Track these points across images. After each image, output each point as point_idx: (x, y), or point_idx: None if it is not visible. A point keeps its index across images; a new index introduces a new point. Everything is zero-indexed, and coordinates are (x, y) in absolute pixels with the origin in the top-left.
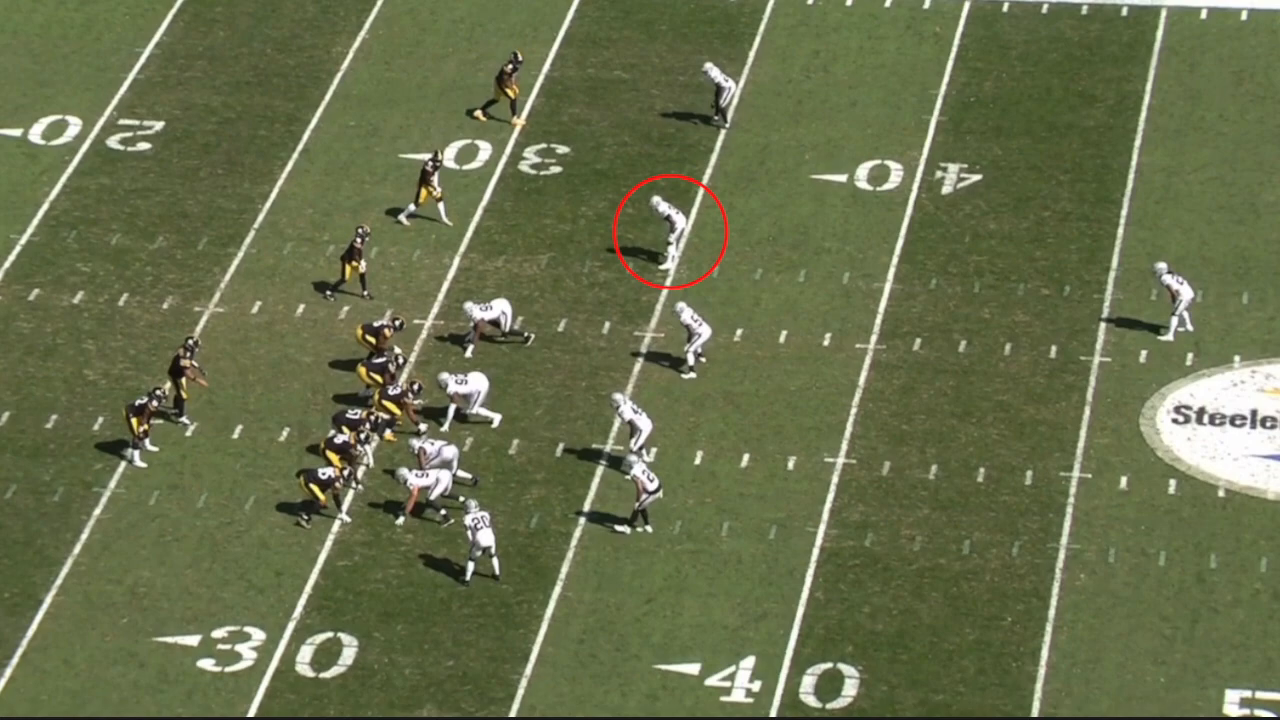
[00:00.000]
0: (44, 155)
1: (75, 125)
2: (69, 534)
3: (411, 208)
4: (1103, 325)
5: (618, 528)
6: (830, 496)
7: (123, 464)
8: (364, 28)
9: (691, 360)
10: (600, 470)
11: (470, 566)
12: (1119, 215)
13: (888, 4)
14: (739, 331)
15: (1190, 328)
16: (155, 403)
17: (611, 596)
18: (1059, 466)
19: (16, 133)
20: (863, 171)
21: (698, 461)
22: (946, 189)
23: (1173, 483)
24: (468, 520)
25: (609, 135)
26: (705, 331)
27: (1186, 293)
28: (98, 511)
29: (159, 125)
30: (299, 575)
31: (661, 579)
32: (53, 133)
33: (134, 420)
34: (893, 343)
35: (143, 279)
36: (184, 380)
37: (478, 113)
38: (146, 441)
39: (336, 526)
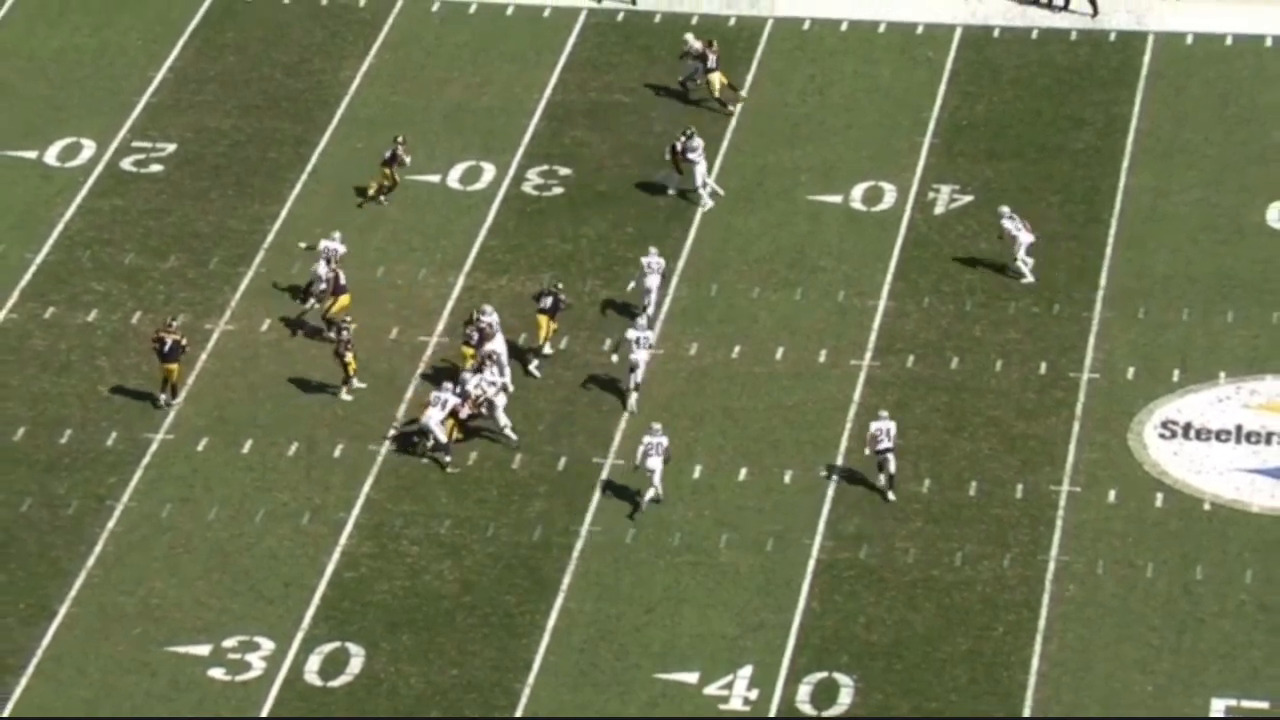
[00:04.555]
0: (59, 177)
1: (89, 148)
2: (83, 546)
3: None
4: (1091, 342)
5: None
6: (826, 509)
7: (136, 477)
8: (370, 53)
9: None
10: (601, 483)
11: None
12: (1107, 235)
13: (882, 29)
14: (737, 348)
15: (1030, 277)
16: (177, 336)
17: (612, 607)
18: (1049, 480)
19: (32, 155)
20: (858, 192)
21: (696, 475)
22: (939, 209)
23: (1160, 496)
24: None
25: (610, 157)
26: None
27: (1025, 238)
28: (111, 524)
29: (171, 147)
30: (307, 586)
31: (661, 590)
32: (67, 155)
33: (170, 367)
34: (887, 359)
35: (155, 297)
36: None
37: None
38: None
39: (343, 539)
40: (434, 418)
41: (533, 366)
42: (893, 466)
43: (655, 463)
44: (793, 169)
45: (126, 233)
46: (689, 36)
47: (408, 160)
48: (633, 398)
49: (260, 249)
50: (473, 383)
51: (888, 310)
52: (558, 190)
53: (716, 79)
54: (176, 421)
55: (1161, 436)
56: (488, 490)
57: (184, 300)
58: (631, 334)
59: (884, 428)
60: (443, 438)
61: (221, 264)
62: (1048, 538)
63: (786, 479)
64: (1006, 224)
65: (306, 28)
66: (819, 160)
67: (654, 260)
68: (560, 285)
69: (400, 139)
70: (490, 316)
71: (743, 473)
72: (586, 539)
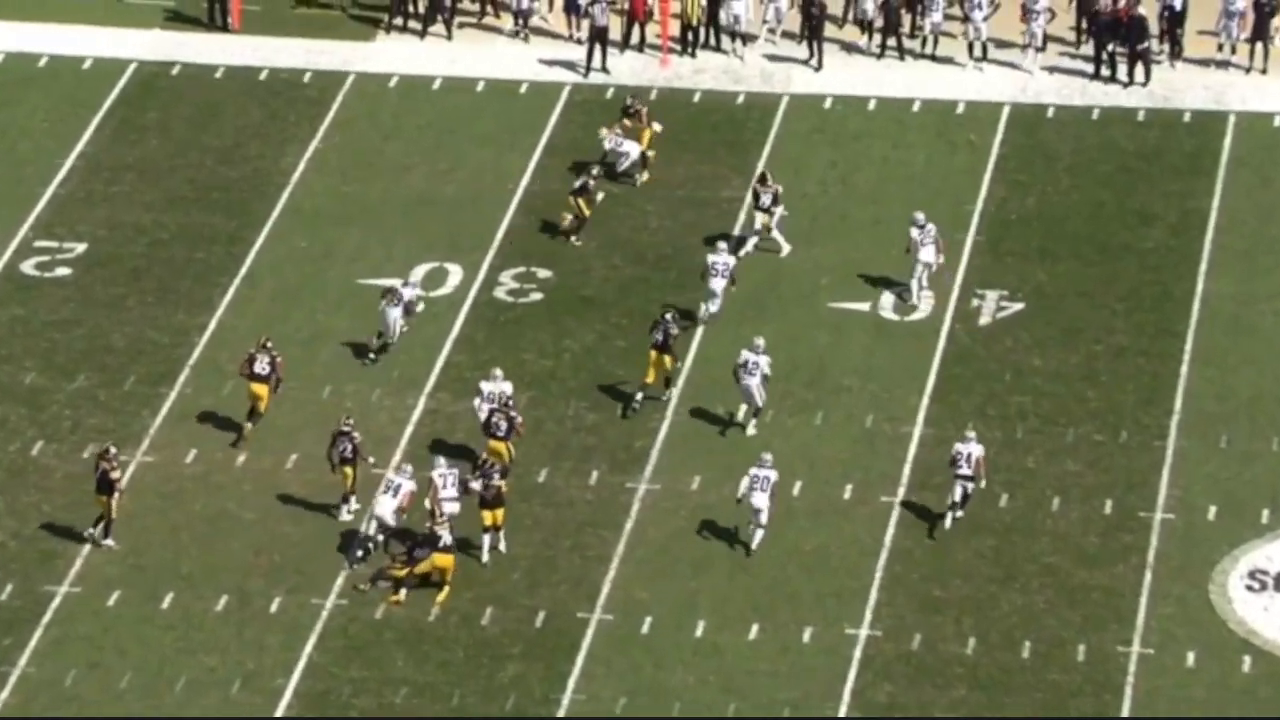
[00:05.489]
0: None
1: None
2: None
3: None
4: (1165, 476)
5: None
6: (852, 674)
7: (35, 637)
8: (317, 135)
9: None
10: (587, 644)
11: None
12: (1182, 350)
13: (916, 108)
14: (746, 481)
15: (919, 296)
16: (112, 464)
17: None
18: (1116, 640)
19: None
20: (887, 299)
21: (699, 633)
22: (984, 319)
23: (1247, 660)
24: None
25: (597, 257)
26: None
27: (927, 256)
28: (4, 695)
29: (81, 247)
30: None
31: None
32: None
33: (108, 500)
34: (923, 495)
35: (60, 424)
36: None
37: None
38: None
39: (281, 710)
40: (387, 507)
41: (639, 399)
42: (966, 494)
43: (761, 500)
44: (812, 270)
45: (27, 348)
46: (602, 131)
47: (599, 196)
48: (751, 424)
49: (185, 366)
50: (476, 484)
51: (924, 438)
52: (536, 296)
53: (649, 134)
54: (83, 571)
55: (1249, 589)
56: (452, 651)
57: (94, 427)
58: (745, 355)
59: (966, 451)
60: (391, 522)
61: (139, 384)
62: (1115, 707)
63: (805, 638)
64: (913, 233)
65: (242, 106)
66: (842, 260)
67: (721, 259)
68: (671, 315)
69: (593, 169)
70: (503, 385)
71: (754, 630)
72: (569, 709)
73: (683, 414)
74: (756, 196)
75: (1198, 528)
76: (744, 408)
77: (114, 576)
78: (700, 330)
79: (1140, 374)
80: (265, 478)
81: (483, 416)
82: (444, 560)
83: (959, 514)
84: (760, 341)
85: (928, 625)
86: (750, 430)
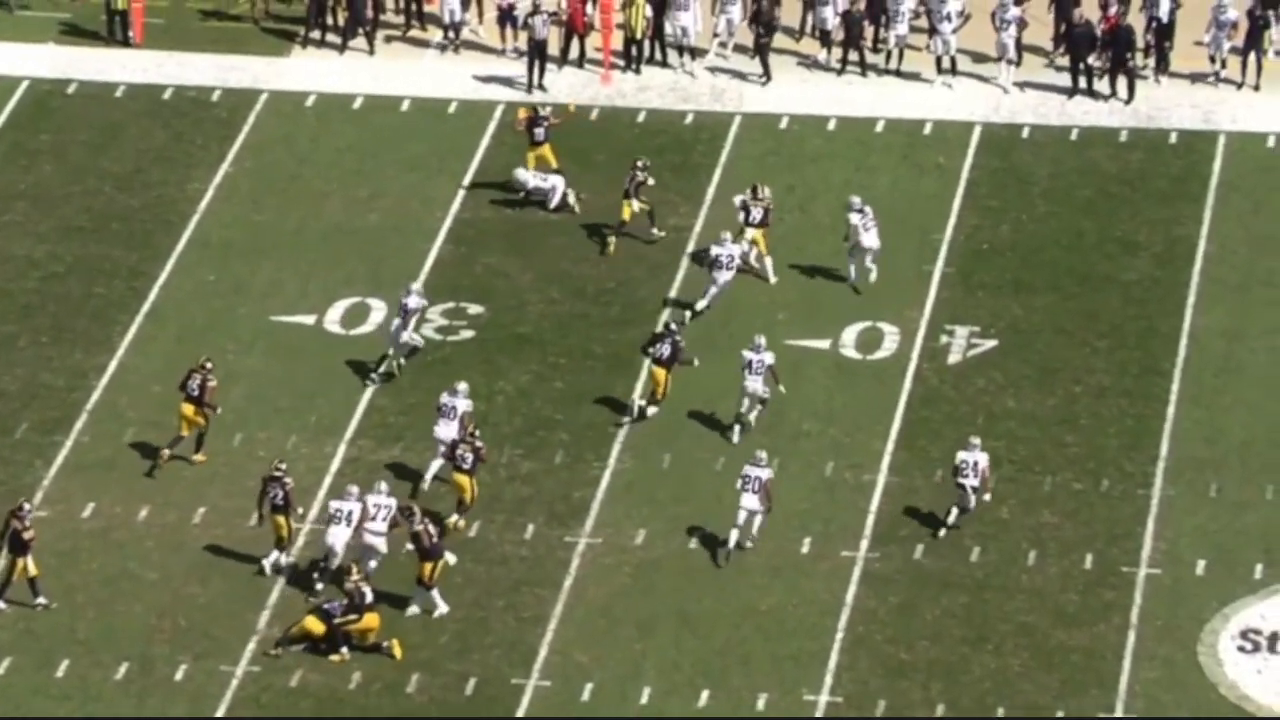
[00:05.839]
0: None
1: None
2: None
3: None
4: (1150, 528)
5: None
6: None
7: None
8: (226, 159)
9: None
10: (522, 712)
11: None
12: (1168, 390)
13: (879, 128)
14: (695, 537)
15: (869, 279)
16: (24, 522)
17: None
18: (1097, 705)
19: None
20: (849, 336)
21: (644, 700)
22: (954, 358)
23: None
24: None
25: (533, 291)
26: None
27: (870, 241)
28: None
29: None
30: None
31: None
32: None
33: (16, 560)
34: (888, 550)
35: None
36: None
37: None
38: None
39: None
40: (340, 537)
41: (626, 418)
42: (971, 504)
43: (751, 500)
44: (767, 305)
45: None
46: (517, 172)
47: (650, 180)
48: (736, 430)
49: (83, 411)
50: (418, 523)
51: (889, 487)
52: (467, 333)
53: (546, 152)
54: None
55: (1241, 649)
56: None
57: None
58: (747, 356)
59: (971, 460)
60: (340, 552)
61: (31, 432)
62: None
63: (760, 705)
64: (853, 218)
65: (144, 128)
66: (800, 294)
67: (726, 250)
68: (679, 326)
69: (641, 163)
70: (460, 401)
71: (704, 697)
72: None
73: (626, 461)
74: (746, 210)
75: (1185, 583)
76: (752, 412)
77: (3, 642)
78: (646, 365)
79: (1123, 416)
80: (169, 534)
81: (440, 433)
82: (370, 620)
83: (957, 524)
84: (761, 339)
85: (893, 691)
86: (754, 417)
